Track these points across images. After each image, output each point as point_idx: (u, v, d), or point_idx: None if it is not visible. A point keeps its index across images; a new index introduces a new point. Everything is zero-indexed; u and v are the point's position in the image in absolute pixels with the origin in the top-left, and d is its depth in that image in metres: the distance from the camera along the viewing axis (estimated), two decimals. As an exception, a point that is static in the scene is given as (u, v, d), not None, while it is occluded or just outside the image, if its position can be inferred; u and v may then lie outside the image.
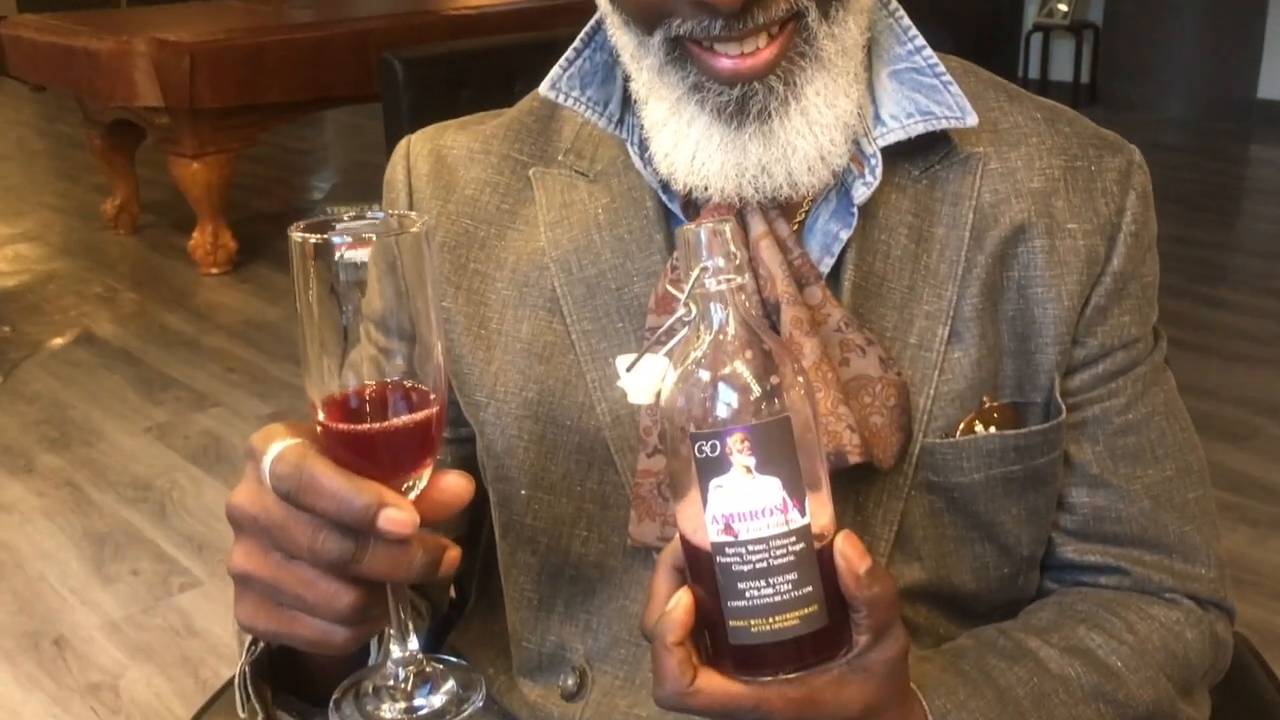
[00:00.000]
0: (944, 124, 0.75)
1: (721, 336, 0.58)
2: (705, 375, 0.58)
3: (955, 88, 0.76)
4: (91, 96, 4.40)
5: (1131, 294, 0.80)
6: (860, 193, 0.75)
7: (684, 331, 0.60)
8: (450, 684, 0.60)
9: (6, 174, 6.05)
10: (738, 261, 0.58)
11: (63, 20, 4.65)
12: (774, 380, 0.57)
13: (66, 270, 4.47)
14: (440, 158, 0.85)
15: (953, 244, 0.77)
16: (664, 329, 0.61)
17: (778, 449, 0.56)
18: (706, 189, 0.73)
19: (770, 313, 0.74)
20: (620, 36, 0.74)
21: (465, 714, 0.59)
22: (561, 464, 0.79)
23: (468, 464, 0.84)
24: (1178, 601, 0.81)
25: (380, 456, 0.56)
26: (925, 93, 0.76)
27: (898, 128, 0.76)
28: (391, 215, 0.59)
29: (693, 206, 0.78)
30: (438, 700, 0.60)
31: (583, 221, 0.80)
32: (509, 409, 0.80)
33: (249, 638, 0.71)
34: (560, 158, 0.83)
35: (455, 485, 0.58)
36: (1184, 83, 6.24)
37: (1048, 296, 0.77)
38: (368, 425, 0.56)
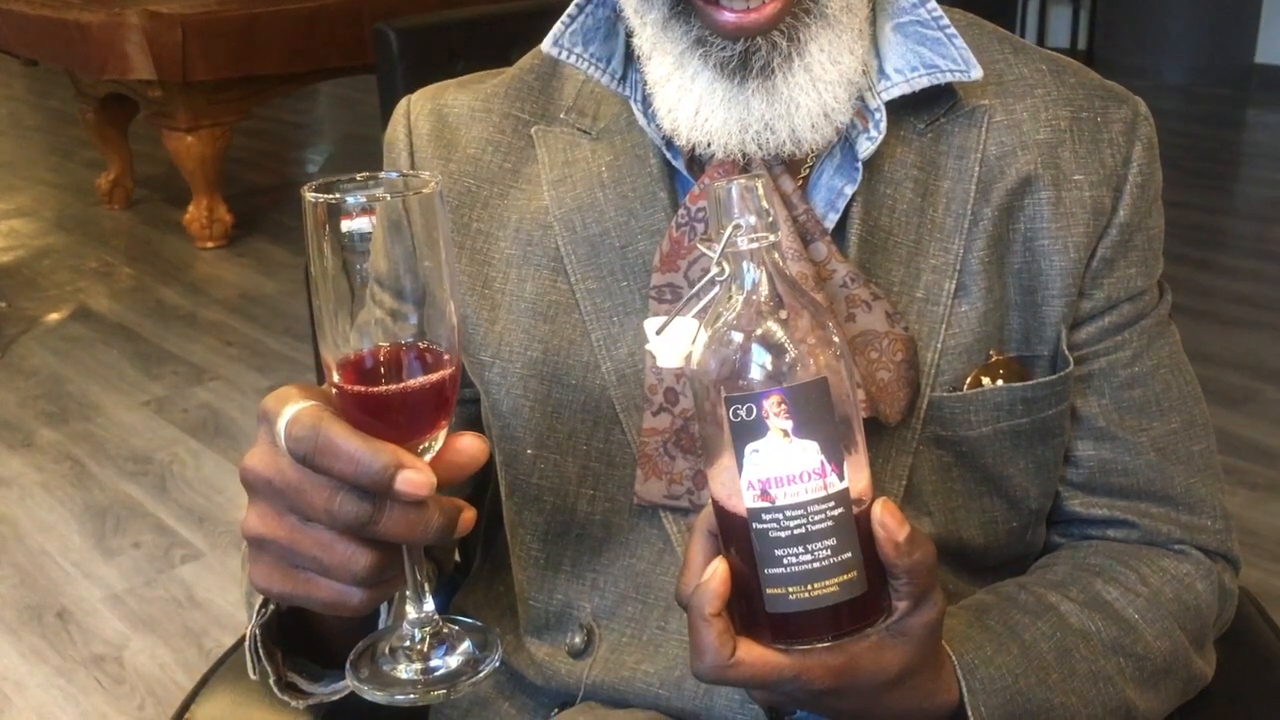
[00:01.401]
0: (948, 77, 0.75)
1: (755, 296, 0.56)
2: (739, 336, 0.56)
3: (960, 41, 0.75)
4: (83, 70, 4.37)
5: (1137, 246, 0.79)
6: (864, 147, 0.75)
7: (715, 291, 0.58)
8: (466, 644, 0.60)
9: (0, 150, 6.03)
10: (770, 219, 0.56)
11: (53, -7, 4.61)
12: (810, 340, 0.56)
13: (61, 245, 4.45)
14: (441, 116, 0.85)
15: (959, 197, 0.77)
16: (695, 290, 0.60)
17: (815, 411, 0.55)
18: (710, 145, 0.73)
19: None
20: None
21: (482, 674, 0.59)
22: (567, 423, 0.79)
23: (473, 424, 0.84)
24: (1186, 553, 0.81)
25: (396, 418, 0.55)
26: (929, 46, 0.75)
27: (902, 81, 0.75)
28: (402, 176, 0.58)
29: (697, 164, 0.77)
30: (454, 661, 0.59)
31: (586, 180, 0.80)
32: (514, 368, 0.79)
33: (259, 600, 0.71)
34: (562, 115, 0.83)
35: (470, 446, 0.58)
36: (1181, 48, 6.21)
37: (1054, 249, 0.77)
38: (384, 387, 0.55)
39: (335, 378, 0.56)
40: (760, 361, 0.56)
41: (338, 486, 0.54)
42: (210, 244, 4.31)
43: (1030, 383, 0.76)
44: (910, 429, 0.75)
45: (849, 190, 0.75)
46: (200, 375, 3.32)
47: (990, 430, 0.76)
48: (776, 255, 0.57)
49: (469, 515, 0.57)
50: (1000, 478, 0.78)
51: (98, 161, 5.02)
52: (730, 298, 0.57)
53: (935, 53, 0.75)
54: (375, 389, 0.55)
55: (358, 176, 0.57)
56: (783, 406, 0.54)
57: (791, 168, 0.76)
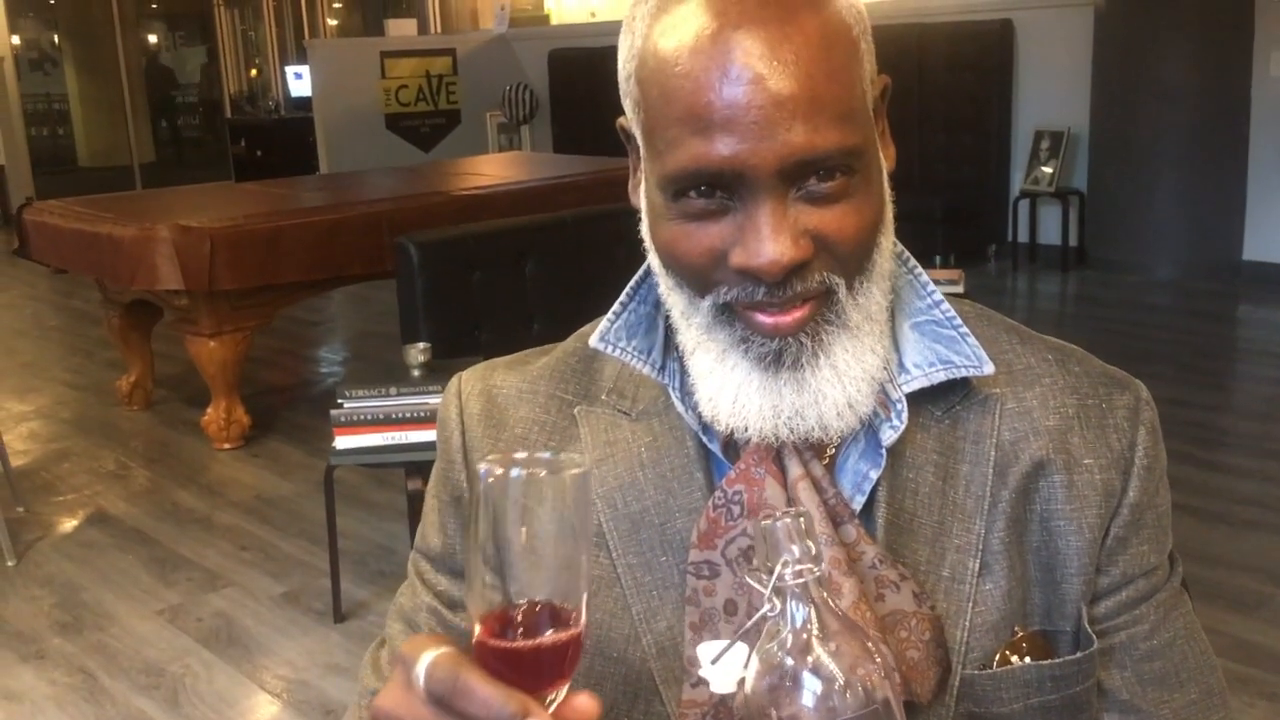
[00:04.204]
0: (963, 372, 0.82)
1: (805, 630, 0.61)
2: (792, 668, 0.60)
3: (972, 339, 0.82)
4: (113, 280, 4.52)
5: (1148, 524, 0.85)
6: (888, 435, 0.81)
7: (769, 624, 0.63)
8: None
9: (21, 350, 6.16)
10: (814, 552, 0.61)
11: (85, 206, 4.82)
12: (860, 672, 0.60)
13: (79, 448, 4.52)
14: (491, 397, 0.91)
15: (977, 480, 0.82)
16: (751, 623, 0.64)
17: None
18: (746, 429, 0.79)
19: None
20: (672, 296, 0.81)
21: None
22: (609, 695, 0.82)
23: None
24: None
25: (527, 670, 0.60)
26: (945, 343, 0.83)
27: (920, 375, 0.82)
28: (557, 455, 0.65)
29: (733, 449, 0.83)
30: None
31: (627, 459, 0.85)
32: None
33: None
34: (604, 397, 0.89)
35: (587, 704, 0.62)
36: (1170, 244, 6.42)
37: (1069, 529, 0.82)
38: (519, 643, 0.61)
39: (477, 629, 0.61)
40: (813, 693, 0.60)
41: None
42: (227, 445, 4.38)
43: (1058, 660, 0.80)
44: (945, 706, 0.79)
45: (874, 474, 0.81)
46: (214, 581, 3.34)
47: (1021, 707, 0.80)
48: (821, 589, 0.62)
49: None
50: (1033, 752, 0.81)
51: (118, 363, 5.14)
52: (780, 630, 0.62)
53: (950, 349, 0.82)
54: (512, 645, 0.61)
55: (518, 455, 0.63)
56: None
57: (818, 453, 0.82)
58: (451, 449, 0.91)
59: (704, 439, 0.84)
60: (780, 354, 0.77)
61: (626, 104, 0.80)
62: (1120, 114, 6.43)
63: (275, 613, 3.15)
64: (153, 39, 13.23)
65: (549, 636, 0.61)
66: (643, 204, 0.82)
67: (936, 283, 0.88)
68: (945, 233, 6.79)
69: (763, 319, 0.77)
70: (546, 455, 0.64)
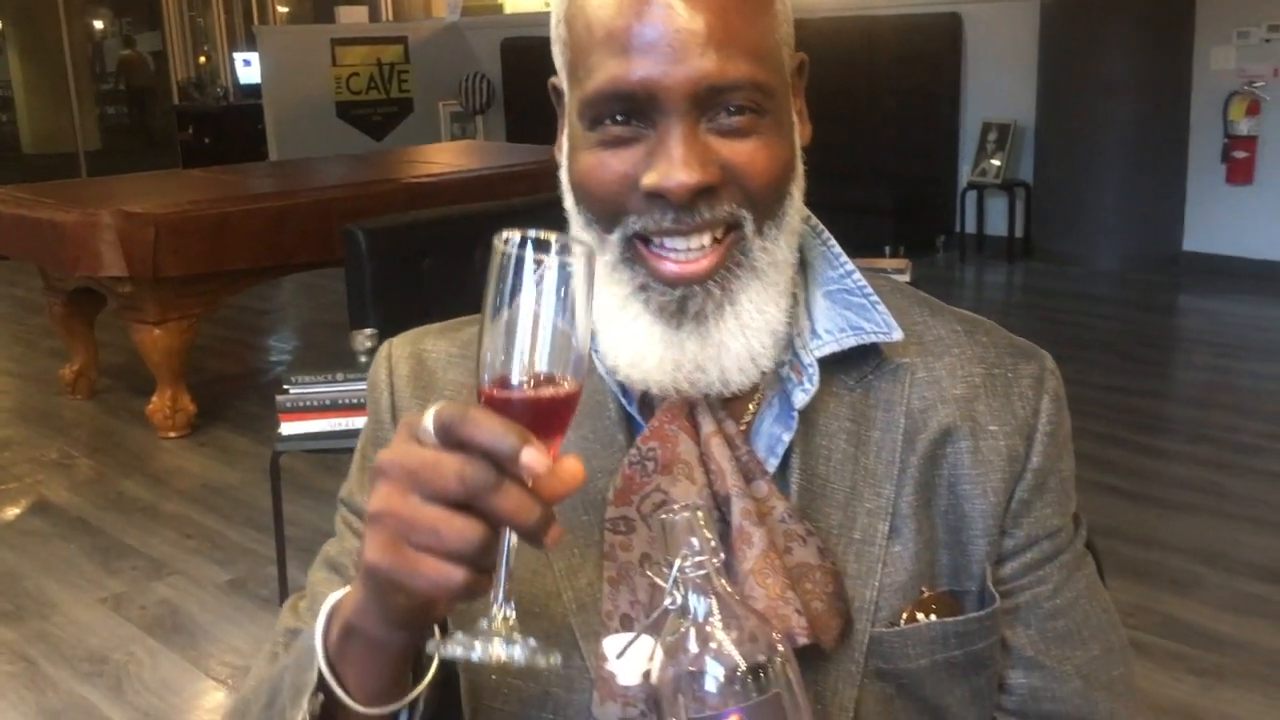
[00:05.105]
0: (873, 338, 0.84)
1: (707, 621, 0.64)
2: (695, 656, 0.63)
3: (882, 306, 0.85)
4: (56, 267, 4.47)
5: (1051, 488, 0.88)
6: (800, 398, 0.83)
7: (670, 617, 0.65)
8: (532, 644, 0.65)
9: (-37, 339, 6.07)
10: (713, 544, 0.64)
11: (27, 193, 4.75)
12: (760, 658, 0.63)
13: (21, 437, 4.47)
14: (420, 360, 0.93)
15: (888, 446, 0.85)
16: (654, 617, 0.67)
17: None
18: (645, 381, 0.81)
19: (721, 504, 0.81)
20: (582, 237, 0.83)
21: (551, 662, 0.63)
22: None
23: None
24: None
25: (526, 419, 0.63)
26: (856, 310, 0.86)
27: (831, 341, 0.85)
28: (566, 238, 0.67)
29: (649, 408, 0.85)
30: (519, 654, 0.64)
31: None
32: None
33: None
34: None
35: (573, 467, 0.64)
36: (1112, 236, 6.54)
37: (975, 493, 0.85)
38: (522, 393, 0.64)
39: (484, 383, 0.64)
40: (717, 682, 0.62)
41: (468, 459, 0.61)
42: (173, 434, 4.35)
43: (961, 618, 0.83)
44: (854, 663, 0.82)
45: (786, 437, 0.84)
46: (159, 569, 3.32)
47: (928, 663, 0.83)
48: (721, 580, 0.64)
49: (557, 533, 0.63)
50: (940, 708, 0.84)
51: (61, 352, 5.08)
52: (683, 621, 0.64)
53: (861, 316, 0.85)
54: (514, 394, 0.64)
55: (533, 232, 0.66)
56: None
57: (735, 415, 0.84)
58: (380, 409, 0.93)
59: (623, 402, 0.86)
60: (684, 304, 0.79)
61: (556, 54, 0.84)
62: (1065, 107, 6.53)
63: (221, 600, 3.14)
64: (99, 25, 13.02)
65: (548, 390, 0.64)
66: (564, 150, 0.85)
67: (884, 272, 0.91)
68: (894, 224, 6.87)
69: (668, 266, 0.79)
70: (557, 233, 0.67)
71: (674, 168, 0.76)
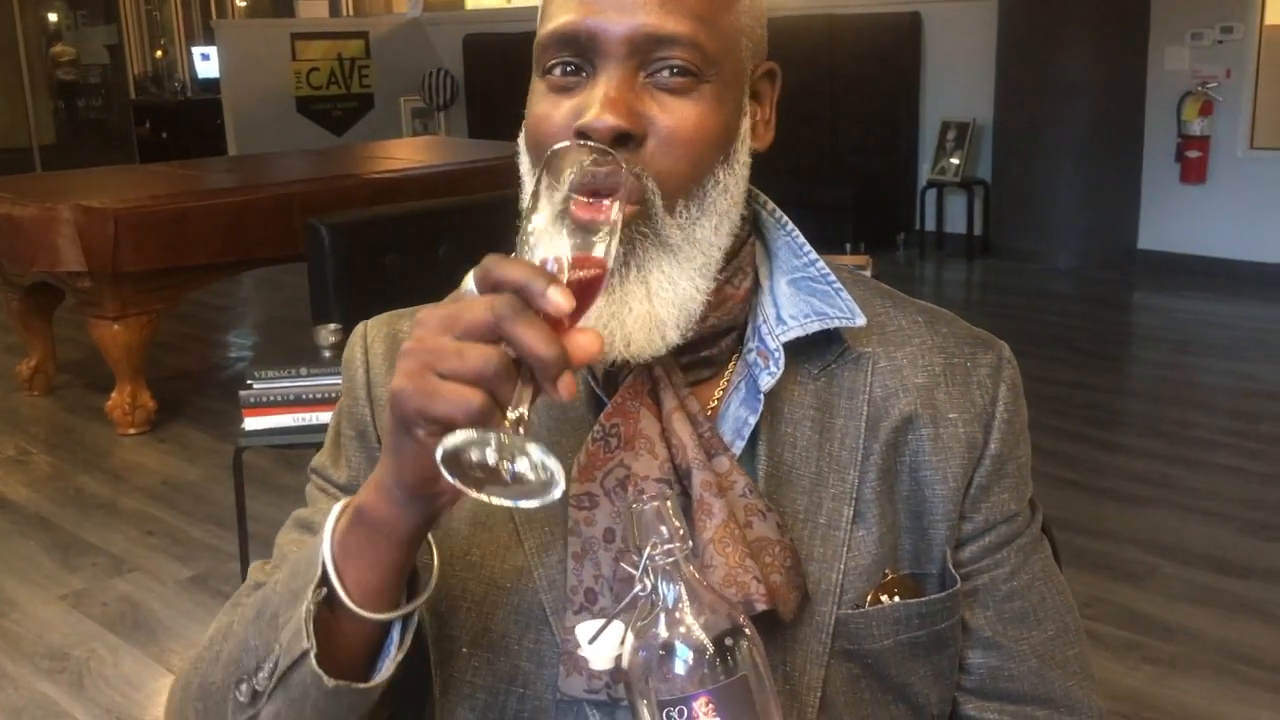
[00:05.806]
0: (836, 323, 0.87)
1: (676, 607, 0.66)
2: (665, 643, 0.65)
3: (845, 294, 0.88)
4: (13, 262, 4.41)
5: (1009, 473, 0.91)
6: (766, 381, 0.85)
7: (641, 602, 0.68)
8: (538, 457, 0.65)
9: (-85, 335, 5.97)
10: (681, 531, 0.66)
11: (-17, 186, 4.69)
12: (728, 641, 0.65)
13: (-22, 433, 4.42)
14: (395, 340, 0.94)
15: (851, 433, 0.87)
16: (624, 603, 0.69)
17: (740, 704, 0.64)
18: None
19: (683, 478, 0.83)
20: (528, 186, 0.84)
21: (538, 499, 0.64)
22: (500, 623, 0.86)
23: (419, 628, 0.91)
24: (1069, 749, 0.90)
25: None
26: (819, 297, 0.88)
27: (796, 325, 0.87)
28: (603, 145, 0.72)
29: (612, 383, 0.86)
30: (526, 470, 0.65)
31: None
32: (454, 571, 0.87)
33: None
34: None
35: (591, 336, 0.68)
36: (1069, 234, 6.62)
37: (935, 478, 0.88)
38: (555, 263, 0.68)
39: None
40: (687, 665, 0.65)
41: (499, 295, 0.65)
42: (132, 430, 4.31)
43: (924, 599, 0.86)
44: (821, 643, 0.84)
45: (752, 420, 0.86)
46: (119, 566, 3.29)
47: (891, 643, 0.85)
48: (690, 567, 0.67)
49: (570, 384, 0.65)
50: (903, 686, 0.87)
51: (17, 347, 5.02)
52: (653, 607, 0.67)
53: (825, 303, 0.87)
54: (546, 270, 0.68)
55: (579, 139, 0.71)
56: (710, 705, 0.63)
57: (701, 396, 0.86)
58: (356, 386, 0.94)
59: (591, 382, 0.87)
60: None
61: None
62: (1023, 106, 6.61)
63: (183, 596, 3.12)
64: (53, 18, 12.84)
65: (576, 273, 0.67)
66: (528, 109, 0.87)
67: (845, 267, 0.93)
68: (856, 221, 6.93)
69: (581, 213, 0.80)
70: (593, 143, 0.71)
71: (597, 106, 0.78)
